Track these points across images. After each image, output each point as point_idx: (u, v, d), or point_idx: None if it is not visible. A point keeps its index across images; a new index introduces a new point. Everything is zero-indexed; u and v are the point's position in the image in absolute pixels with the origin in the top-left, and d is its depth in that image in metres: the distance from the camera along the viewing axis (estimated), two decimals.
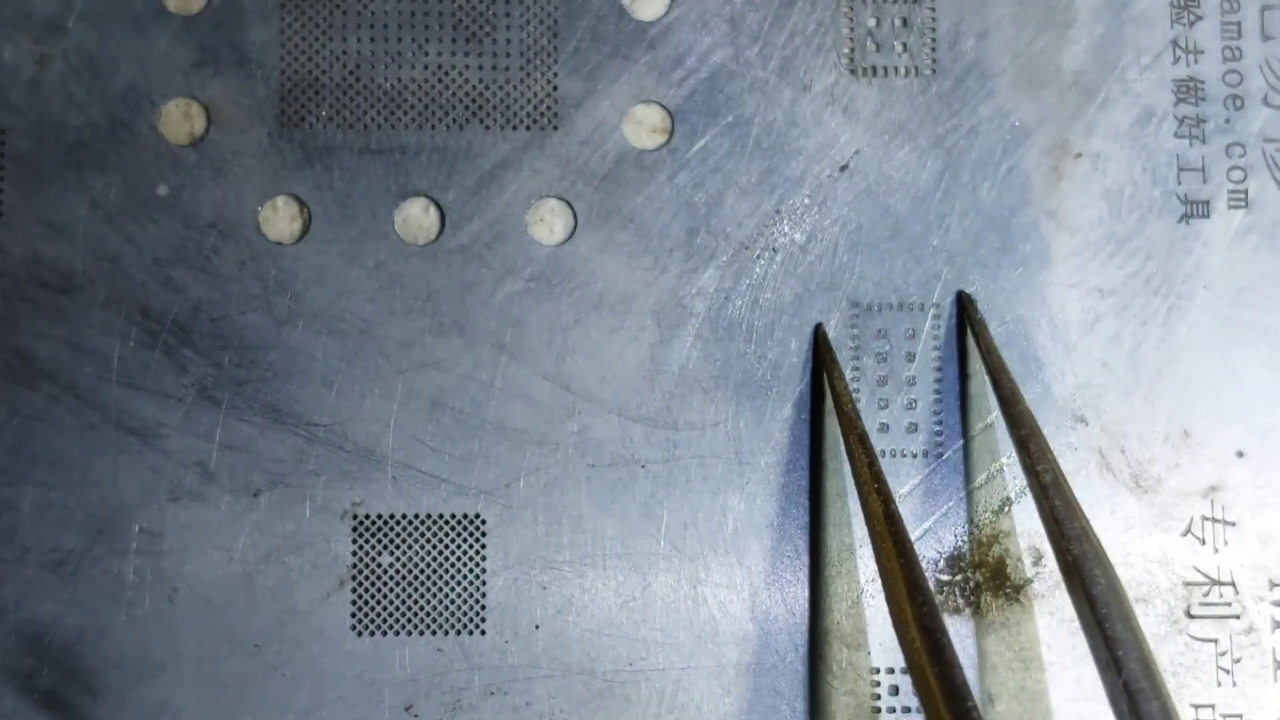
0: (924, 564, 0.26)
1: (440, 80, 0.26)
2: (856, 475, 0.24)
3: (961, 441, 0.26)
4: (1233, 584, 0.26)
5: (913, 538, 0.26)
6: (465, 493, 0.26)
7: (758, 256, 0.26)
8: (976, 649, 0.26)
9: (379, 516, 0.26)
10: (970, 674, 0.26)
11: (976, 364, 0.26)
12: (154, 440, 0.26)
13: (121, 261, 0.26)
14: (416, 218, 0.26)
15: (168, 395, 0.26)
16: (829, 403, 0.26)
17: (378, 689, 0.26)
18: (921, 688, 0.20)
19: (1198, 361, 0.26)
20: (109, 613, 0.26)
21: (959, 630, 0.26)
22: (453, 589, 0.26)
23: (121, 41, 0.26)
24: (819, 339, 0.26)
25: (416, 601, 0.26)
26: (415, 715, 0.26)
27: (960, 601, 0.26)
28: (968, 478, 0.26)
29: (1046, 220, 0.26)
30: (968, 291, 0.26)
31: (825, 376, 0.26)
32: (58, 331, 0.26)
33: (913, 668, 0.21)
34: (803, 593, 0.26)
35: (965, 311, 0.26)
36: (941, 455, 0.26)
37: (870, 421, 0.26)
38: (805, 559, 0.26)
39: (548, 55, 0.27)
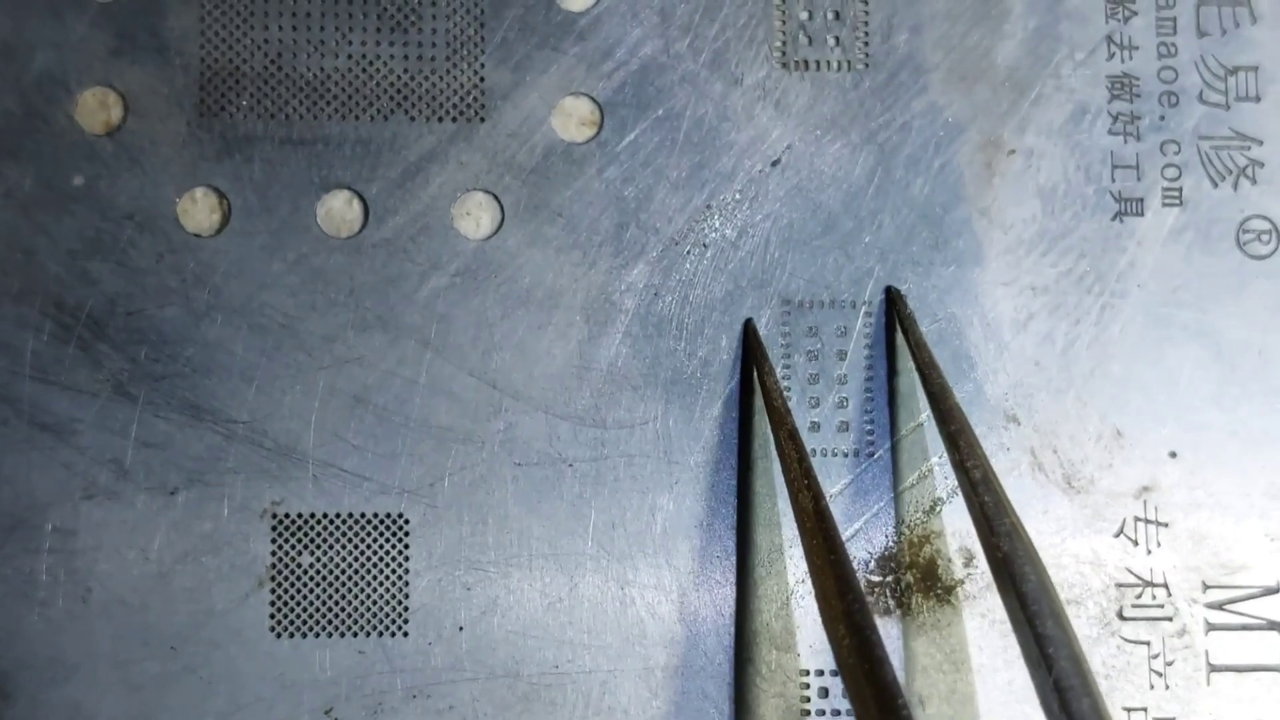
0: (854, 564, 0.26)
1: (364, 70, 0.26)
2: (786, 471, 0.24)
3: (892, 441, 0.26)
4: (1165, 586, 0.26)
5: (843, 538, 0.26)
6: (388, 492, 0.26)
7: (688, 252, 0.26)
8: (906, 651, 0.26)
9: (299, 516, 0.25)
10: (900, 676, 0.26)
11: (907, 361, 0.26)
12: (68, 437, 0.25)
13: (35, 253, 0.25)
14: (339, 210, 0.26)
15: (82, 391, 0.25)
16: (759, 400, 0.26)
17: (297, 691, 0.25)
18: (851, 685, 0.20)
19: (1131, 361, 0.26)
20: (21, 613, 0.25)
21: (889, 632, 0.26)
22: (375, 590, 0.25)
23: (37, 27, 0.25)
24: (749, 334, 0.26)
25: (337, 602, 0.25)
26: (335, 718, 0.25)
27: (891, 603, 0.26)
28: (899, 478, 0.26)
29: (979, 217, 0.26)
30: (897, 287, 0.26)
31: (755, 372, 0.25)
32: None
33: (842, 666, 0.20)
34: (732, 594, 0.26)
35: (894, 307, 0.26)
36: (873, 454, 0.26)
37: (801, 420, 0.26)
38: (734, 560, 0.26)
39: (475, 45, 0.26)
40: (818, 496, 0.23)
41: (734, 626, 0.26)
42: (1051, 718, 0.19)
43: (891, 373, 0.26)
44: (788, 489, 0.24)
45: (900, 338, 0.26)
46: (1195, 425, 0.26)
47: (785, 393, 0.26)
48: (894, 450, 0.26)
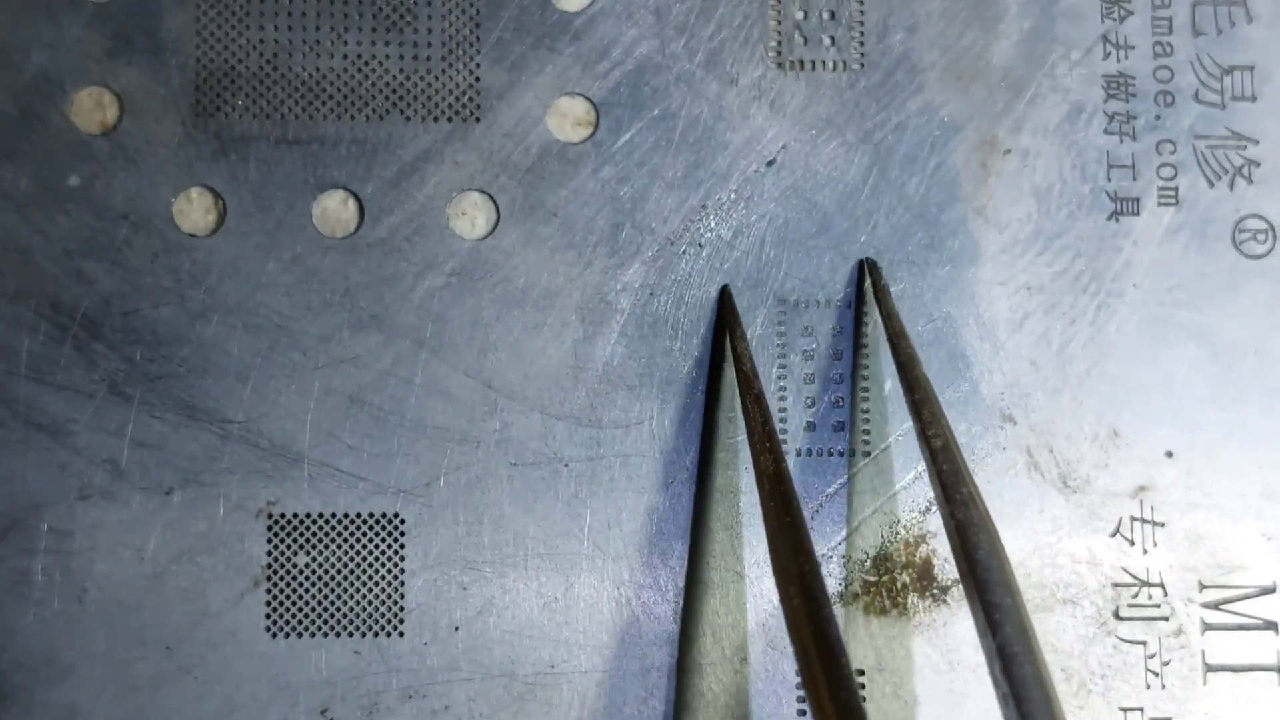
0: (850, 565, 0.26)
1: (360, 70, 0.26)
2: (750, 434, 0.23)
3: (888, 440, 0.26)
4: (1162, 585, 0.26)
5: (840, 537, 0.26)
6: (384, 491, 0.26)
7: (683, 252, 0.26)
8: (902, 650, 0.26)
9: (295, 515, 0.25)
10: (898, 676, 0.26)
11: (884, 279, 0.26)
12: (63, 437, 0.25)
13: (31, 253, 0.25)
14: (335, 210, 0.26)
15: (78, 391, 0.25)
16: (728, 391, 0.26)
17: (292, 692, 0.25)
18: (798, 646, 0.20)
19: (1127, 360, 0.26)
20: (16, 613, 0.25)
21: (886, 632, 0.26)
22: (370, 590, 0.25)
23: (33, 28, 0.25)
24: (724, 299, 0.26)
25: (333, 602, 0.25)
26: (331, 718, 0.25)
27: (887, 603, 0.26)
28: (894, 477, 0.26)
29: (975, 217, 0.26)
30: (871, 257, 0.26)
31: (728, 338, 0.25)
32: None
33: (791, 627, 0.20)
34: (728, 594, 0.26)
35: (870, 276, 0.26)
36: (869, 454, 0.26)
37: (797, 420, 0.26)
38: (730, 559, 0.26)
39: (470, 45, 0.26)
40: (778, 459, 0.23)
41: (730, 626, 0.26)
42: (996, 684, 0.19)
43: (859, 345, 0.26)
44: (750, 452, 0.23)
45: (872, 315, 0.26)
46: (1192, 425, 0.26)
47: (781, 392, 0.26)
48: (889, 450, 0.26)
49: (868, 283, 0.26)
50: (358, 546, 0.25)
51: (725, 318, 0.26)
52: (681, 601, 0.26)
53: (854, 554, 0.26)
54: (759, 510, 0.26)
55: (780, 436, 0.26)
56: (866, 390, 0.26)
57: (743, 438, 0.26)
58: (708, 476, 0.26)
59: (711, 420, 0.26)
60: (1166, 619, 0.26)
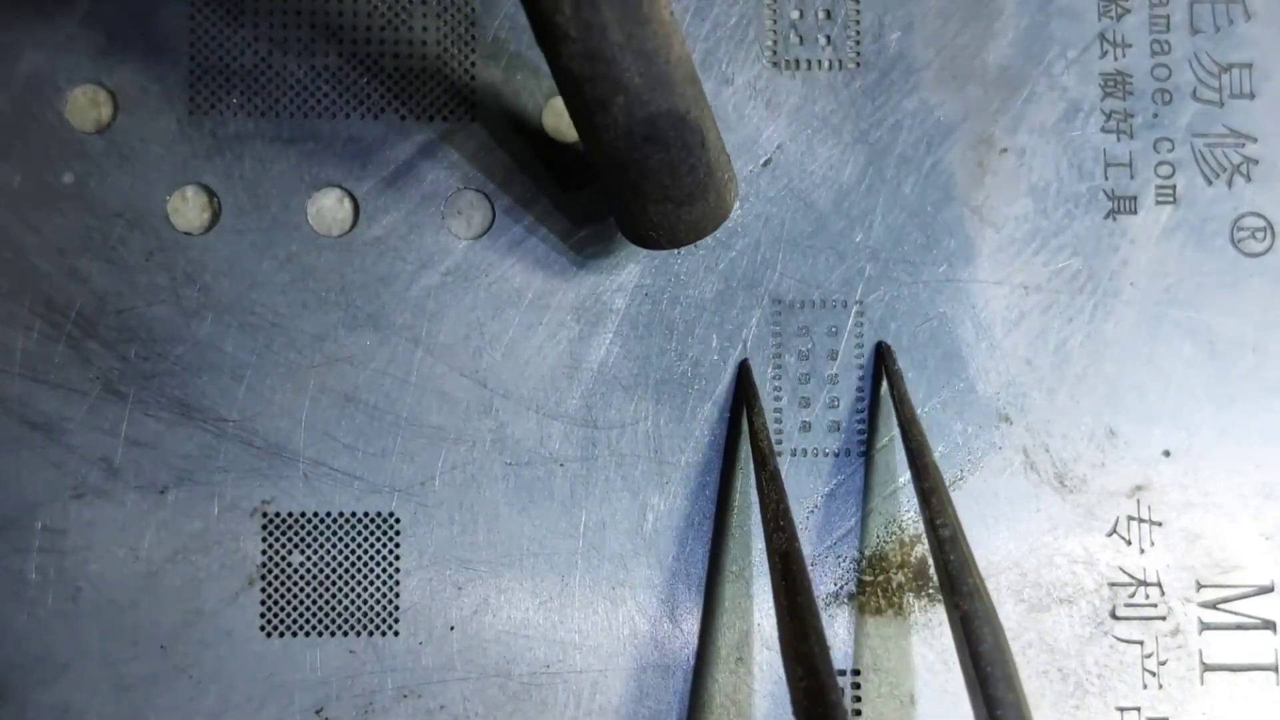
0: (847, 564, 0.26)
1: (355, 68, 0.26)
2: (764, 512, 0.24)
3: (884, 441, 0.26)
4: (1159, 585, 0.26)
5: (836, 537, 0.26)
6: (379, 490, 0.25)
7: (679, 252, 0.26)
8: (898, 650, 0.26)
9: (289, 514, 0.25)
10: (894, 676, 0.26)
11: (897, 364, 0.26)
12: (58, 435, 0.25)
13: (25, 251, 0.25)
14: (330, 209, 0.26)
15: (72, 389, 0.25)
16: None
17: (287, 691, 0.25)
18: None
19: (1124, 359, 0.26)
20: (10, 612, 0.25)
21: (882, 632, 0.26)
22: (365, 589, 0.25)
23: (27, 25, 0.25)
24: (742, 374, 0.26)
25: (328, 602, 0.25)
26: (326, 718, 0.25)
27: (882, 602, 0.26)
28: (890, 478, 0.26)
29: (971, 216, 0.26)
30: (886, 343, 0.26)
31: (745, 410, 0.25)
32: None
33: (796, 706, 0.21)
34: (724, 593, 0.26)
35: (882, 362, 0.26)
36: (865, 454, 0.26)
37: (792, 420, 0.26)
38: (726, 559, 0.26)
39: (465, 44, 0.26)
40: (791, 538, 0.23)
41: (727, 626, 0.26)
42: None
43: (872, 433, 0.26)
44: (764, 529, 0.24)
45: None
46: (1189, 424, 0.26)
47: (777, 392, 0.26)
48: (885, 450, 0.26)
49: (862, 282, 0.26)
50: (353, 546, 0.25)
51: (744, 390, 0.25)
52: (677, 601, 0.25)
53: (850, 554, 0.26)
54: (758, 510, 0.26)
55: (775, 436, 0.26)
56: (861, 391, 0.26)
57: (747, 452, 0.26)
58: (707, 478, 0.26)
59: (734, 433, 0.26)
60: (1164, 619, 0.26)
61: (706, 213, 0.23)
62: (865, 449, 0.26)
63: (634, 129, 0.21)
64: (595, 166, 0.22)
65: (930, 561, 0.26)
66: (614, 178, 0.22)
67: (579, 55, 0.20)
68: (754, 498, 0.26)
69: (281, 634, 0.25)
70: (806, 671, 0.20)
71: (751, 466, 0.26)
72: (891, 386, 0.25)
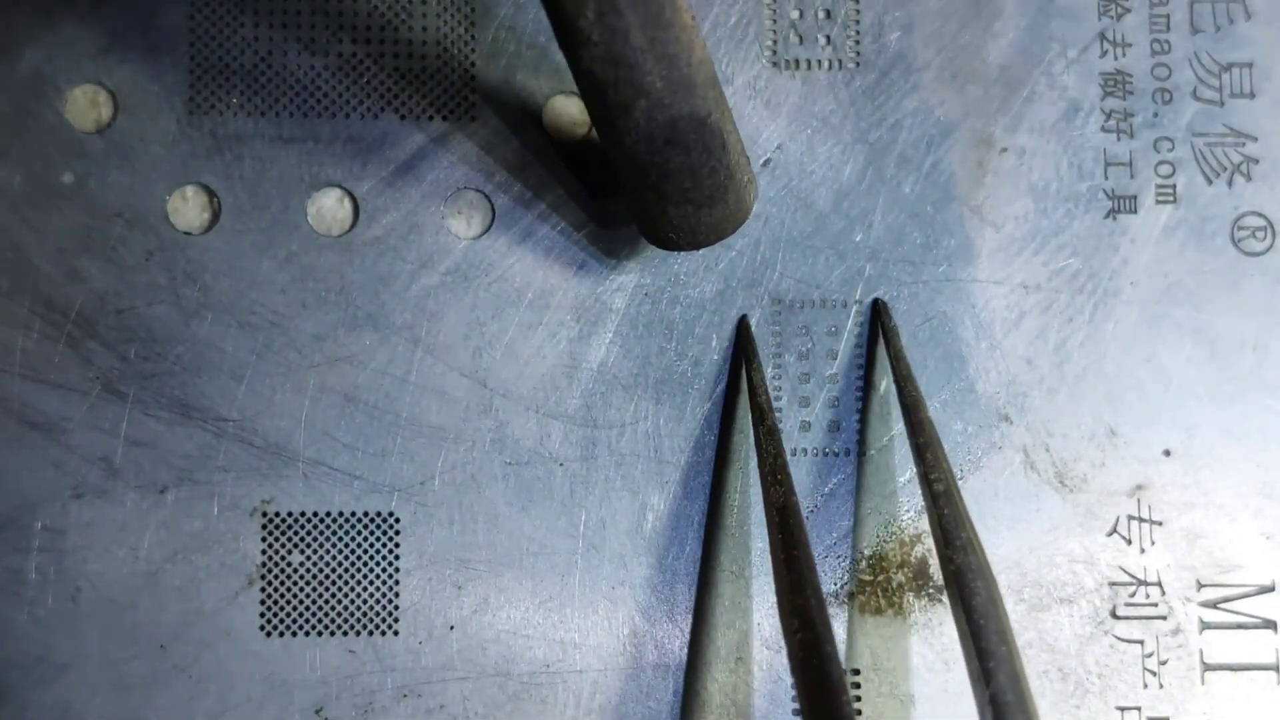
0: (846, 564, 0.26)
1: (355, 68, 0.26)
2: (761, 465, 0.24)
3: (884, 440, 0.26)
4: (1159, 584, 0.26)
5: (835, 537, 0.26)
6: (379, 490, 0.25)
7: (679, 252, 0.26)
8: (898, 650, 0.26)
9: (289, 514, 0.25)
10: (893, 676, 0.26)
11: (893, 320, 0.26)
12: (57, 435, 0.25)
13: (25, 251, 0.25)
14: (330, 209, 0.26)
15: (72, 389, 0.25)
16: (744, 399, 0.26)
17: (287, 691, 0.25)
18: (800, 679, 0.20)
19: (1124, 359, 0.26)
20: (10, 612, 0.25)
21: (882, 631, 0.26)
22: (365, 589, 0.25)
23: (27, 25, 0.25)
24: (741, 329, 0.26)
25: (327, 601, 0.25)
26: (325, 718, 0.25)
27: (882, 602, 0.26)
28: (890, 477, 0.26)
29: (971, 216, 0.26)
30: (883, 299, 0.26)
31: (744, 366, 0.25)
32: None
33: (792, 659, 0.20)
34: (724, 593, 0.26)
35: (879, 318, 0.26)
36: (865, 453, 0.26)
37: (792, 419, 0.26)
38: (726, 558, 0.26)
39: (465, 44, 0.26)
40: (788, 493, 0.23)
41: (727, 625, 0.26)
42: None
43: (868, 385, 0.26)
44: (761, 483, 0.24)
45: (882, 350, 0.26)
46: (1189, 423, 0.26)
47: (776, 392, 0.26)
48: (885, 450, 0.26)
49: (861, 282, 0.26)
50: (352, 545, 0.25)
51: (742, 347, 0.26)
52: (677, 601, 0.25)
53: (850, 553, 0.26)
54: (758, 510, 0.26)
55: None
56: (861, 390, 0.26)
57: (748, 450, 0.26)
58: (707, 477, 0.26)
59: (727, 427, 0.26)
60: (1164, 618, 0.26)
61: (726, 215, 0.23)
62: (865, 448, 0.26)
63: (655, 132, 0.21)
64: (616, 169, 0.22)
65: (930, 561, 0.26)
66: (635, 180, 0.22)
67: (601, 59, 0.20)
68: (754, 497, 0.26)
69: (281, 634, 0.25)
70: (803, 624, 0.20)
71: (751, 465, 0.26)
72: (888, 343, 0.25)
